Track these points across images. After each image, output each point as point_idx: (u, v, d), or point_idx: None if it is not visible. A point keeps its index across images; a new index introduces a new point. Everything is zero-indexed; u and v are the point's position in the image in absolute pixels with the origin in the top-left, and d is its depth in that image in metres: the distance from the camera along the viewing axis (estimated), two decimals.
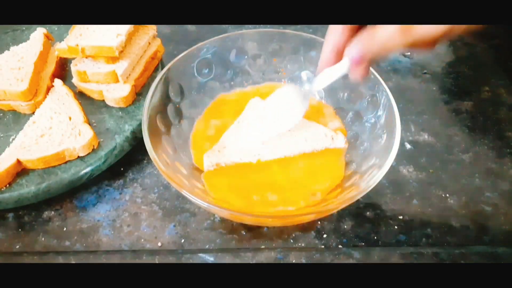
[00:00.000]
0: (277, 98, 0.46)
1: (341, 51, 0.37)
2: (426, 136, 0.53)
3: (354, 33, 0.36)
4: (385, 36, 0.33)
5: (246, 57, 0.53)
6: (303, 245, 0.43)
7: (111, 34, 0.52)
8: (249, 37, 0.52)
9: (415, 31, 0.32)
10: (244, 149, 0.46)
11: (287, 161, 0.47)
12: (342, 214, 0.45)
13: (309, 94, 0.44)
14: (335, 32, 0.37)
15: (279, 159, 0.47)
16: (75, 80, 0.53)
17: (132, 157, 0.50)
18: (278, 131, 0.45)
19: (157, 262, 0.42)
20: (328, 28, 0.38)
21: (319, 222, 0.45)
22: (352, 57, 0.36)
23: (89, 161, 0.46)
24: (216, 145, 0.47)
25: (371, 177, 0.39)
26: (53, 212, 0.46)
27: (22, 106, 0.51)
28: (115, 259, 0.42)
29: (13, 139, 0.48)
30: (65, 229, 0.44)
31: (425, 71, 0.62)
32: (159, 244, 0.43)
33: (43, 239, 0.44)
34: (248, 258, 0.42)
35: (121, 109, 0.52)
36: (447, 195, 0.47)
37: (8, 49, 0.55)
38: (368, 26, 0.35)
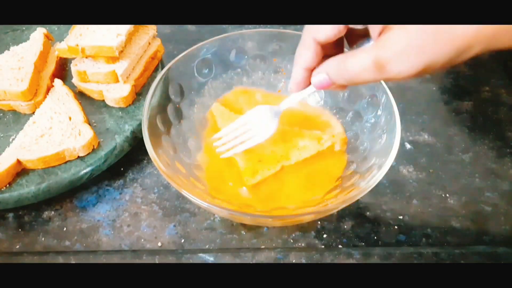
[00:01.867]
0: (249, 117, 0.45)
1: (312, 70, 0.36)
2: (426, 136, 0.53)
3: (325, 52, 0.35)
4: (357, 69, 0.31)
5: (246, 57, 0.53)
6: (303, 245, 0.43)
7: (111, 34, 0.51)
8: (249, 37, 0.52)
9: (390, 69, 0.29)
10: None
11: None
12: (342, 214, 0.45)
13: (279, 113, 0.44)
14: (306, 52, 0.35)
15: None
16: (75, 80, 0.53)
17: (132, 157, 0.50)
18: (250, 145, 0.45)
19: (157, 262, 0.42)
20: (297, 46, 0.36)
21: (319, 222, 0.45)
22: (319, 84, 0.35)
23: (89, 161, 0.46)
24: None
25: (371, 177, 0.39)
26: (53, 212, 0.46)
27: (22, 106, 0.51)
28: (115, 259, 0.42)
29: (13, 139, 0.48)
30: (65, 229, 0.44)
31: None
32: (159, 244, 0.43)
33: (43, 239, 0.44)
34: (248, 258, 0.42)
35: (121, 109, 0.52)
36: (447, 195, 0.47)
37: (8, 49, 0.55)
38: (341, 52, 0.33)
